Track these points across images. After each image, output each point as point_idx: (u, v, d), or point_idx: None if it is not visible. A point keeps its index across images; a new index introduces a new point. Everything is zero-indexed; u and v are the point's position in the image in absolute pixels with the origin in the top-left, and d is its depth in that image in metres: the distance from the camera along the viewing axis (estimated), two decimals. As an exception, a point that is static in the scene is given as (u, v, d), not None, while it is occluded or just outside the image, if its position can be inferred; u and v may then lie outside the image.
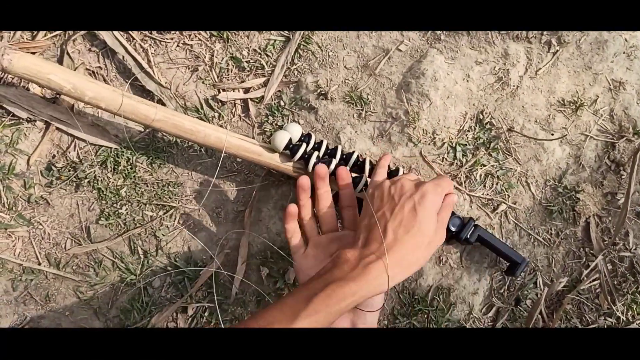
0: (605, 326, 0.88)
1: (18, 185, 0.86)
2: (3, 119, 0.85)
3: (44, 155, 0.87)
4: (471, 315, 0.87)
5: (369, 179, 0.80)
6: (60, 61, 0.87)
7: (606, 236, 0.87)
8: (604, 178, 0.88)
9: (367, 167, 0.80)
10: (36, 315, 0.88)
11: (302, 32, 0.87)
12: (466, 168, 0.86)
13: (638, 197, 0.87)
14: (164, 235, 0.87)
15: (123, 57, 0.86)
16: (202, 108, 0.88)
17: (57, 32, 0.87)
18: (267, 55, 0.88)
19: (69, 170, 0.86)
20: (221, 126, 0.87)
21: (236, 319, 0.87)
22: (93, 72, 0.88)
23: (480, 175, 0.86)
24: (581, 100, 0.87)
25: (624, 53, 0.87)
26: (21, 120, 0.86)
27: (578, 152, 0.87)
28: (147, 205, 0.87)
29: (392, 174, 0.81)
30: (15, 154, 0.86)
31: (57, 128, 0.86)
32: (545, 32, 0.86)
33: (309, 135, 0.81)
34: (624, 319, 0.87)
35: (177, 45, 0.88)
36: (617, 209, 0.87)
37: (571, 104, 0.87)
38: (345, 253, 0.63)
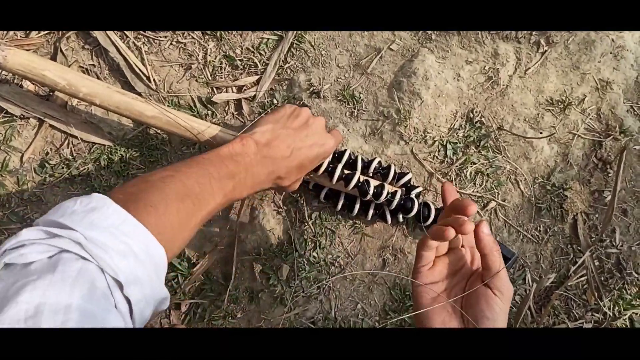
0: (592, 322, 0.89)
1: (11, 182, 0.87)
2: (-4, 116, 0.85)
3: (37, 152, 0.87)
4: (461, 311, 0.89)
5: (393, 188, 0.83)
6: (53, 59, 0.87)
7: (593, 233, 0.89)
8: (591, 176, 0.89)
9: (392, 174, 0.83)
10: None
11: (294, 31, 0.88)
12: (457, 166, 0.87)
13: (624, 195, 0.89)
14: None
15: (116, 55, 0.87)
16: (195, 106, 0.88)
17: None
18: (260, 54, 0.89)
19: (62, 168, 0.87)
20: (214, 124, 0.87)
21: (229, 315, 0.88)
22: (86, 69, 0.88)
23: (471, 173, 0.88)
24: (569, 100, 0.88)
25: (610, 53, 0.89)
26: (14, 117, 0.86)
27: (566, 150, 0.89)
28: (141, 203, 0.88)
29: (384, 171, 0.83)
30: (9, 151, 0.86)
31: (51, 125, 0.87)
32: (534, 33, 0.88)
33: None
34: (611, 314, 0.89)
35: (171, 44, 0.89)
36: (604, 207, 0.89)
37: (559, 103, 0.89)
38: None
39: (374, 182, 0.81)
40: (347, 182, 0.78)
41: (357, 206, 0.83)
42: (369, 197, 0.79)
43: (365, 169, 0.82)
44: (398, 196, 0.80)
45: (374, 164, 0.81)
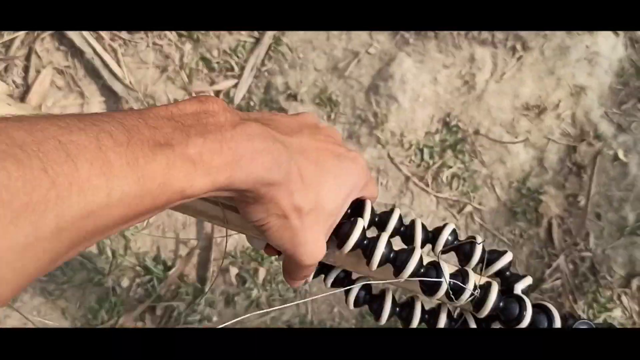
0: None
1: (-16, 185, 0.86)
2: (-32, 118, 0.84)
3: (10, 154, 0.86)
4: (437, 314, 0.89)
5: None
6: (28, 59, 0.86)
7: (568, 237, 0.90)
8: (566, 180, 0.90)
9: (477, 253, 0.39)
10: (2, 315, 0.87)
11: (272, 33, 0.88)
12: (433, 170, 0.88)
13: (598, 199, 0.90)
14: (132, 235, 0.87)
15: (92, 57, 0.86)
16: (172, 108, 0.88)
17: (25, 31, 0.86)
18: (238, 56, 0.89)
19: (37, 170, 0.86)
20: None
21: (205, 318, 0.87)
22: (62, 71, 0.87)
23: (447, 177, 0.88)
24: (544, 105, 0.89)
25: (585, 59, 0.89)
26: (-13, 118, 0.85)
27: (541, 154, 0.90)
28: (116, 205, 0.87)
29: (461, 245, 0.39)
30: (-19, 152, 0.85)
31: (24, 127, 0.86)
32: (510, 38, 0.89)
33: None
34: (585, 317, 0.90)
35: (147, 45, 0.88)
36: (578, 210, 0.89)
37: (535, 108, 0.89)
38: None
39: (448, 268, 0.38)
40: (399, 268, 0.36)
41: (388, 309, 0.39)
42: (438, 295, 0.37)
43: (428, 242, 0.40)
44: (494, 295, 0.38)
45: (446, 234, 0.38)
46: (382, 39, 0.89)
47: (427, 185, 0.88)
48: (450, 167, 0.88)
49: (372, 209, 0.37)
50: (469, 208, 0.89)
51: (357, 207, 0.36)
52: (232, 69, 0.88)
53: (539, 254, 0.90)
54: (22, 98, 0.86)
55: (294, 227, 0.32)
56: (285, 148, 0.29)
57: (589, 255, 0.90)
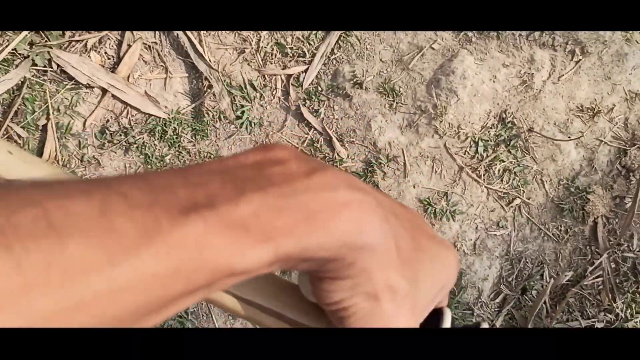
0: (605, 322, 0.94)
1: (73, 145, 0.94)
2: (65, 83, 0.93)
3: (98, 119, 0.95)
4: (479, 300, 0.94)
5: None
6: (122, 34, 0.94)
7: (612, 237, 0.93)
8: (614, 182, 0.94)
9: None
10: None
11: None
12: (486, 162, 0.93)
13: (645, 203, 0.93)
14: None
15: (177, 35, 0.94)
16: (245, 88, 0.95)
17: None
18: (309, 44, 0.95)
19: (120, 135, 0.94)
20: (262, 106, 0.94)
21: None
22: (149, 46, 0.95)
23: (499, 170, 0.93)
24: (599, 108, 0.93)
25: (642, 67, 0.93)
26: (81, 85, 0.94)
27: (592, 155, 0.94)
28: (188, 173, 0.95)
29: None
30: (73, 115, 0.94)
31: (113, 95, 0.94)
32: (569, 42, 0.93)
33: None
34: (623, 316, 0.93)
35: (228, 28, 0.96)
36: (624, 212, 0.93)
37: (589, 110, 0.93)
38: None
39: None
40: None
41: None
42: None
43: None
44: None
45: None
46: (446, 35, 0.95)
47: (480, 176, 0.93)
48: (503, 161, 0.93)
49: (453, 321, 0.28)
50: (517, 201, 0.93)
51: (433, 318, 0.26)
52: (303, 55, 0.95)
53: (582, 251, 0.94)
54: (113, 69, 0.94)
55: (386, 314, 0.22)
56: (379, 204, 0.22)
57: (632, 256, 0.93)
